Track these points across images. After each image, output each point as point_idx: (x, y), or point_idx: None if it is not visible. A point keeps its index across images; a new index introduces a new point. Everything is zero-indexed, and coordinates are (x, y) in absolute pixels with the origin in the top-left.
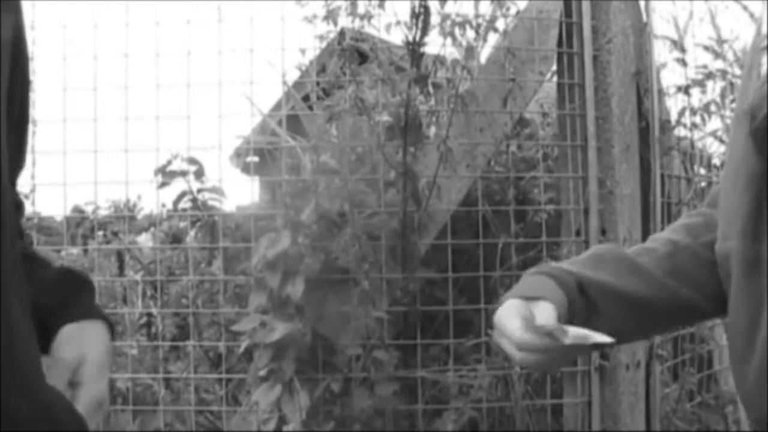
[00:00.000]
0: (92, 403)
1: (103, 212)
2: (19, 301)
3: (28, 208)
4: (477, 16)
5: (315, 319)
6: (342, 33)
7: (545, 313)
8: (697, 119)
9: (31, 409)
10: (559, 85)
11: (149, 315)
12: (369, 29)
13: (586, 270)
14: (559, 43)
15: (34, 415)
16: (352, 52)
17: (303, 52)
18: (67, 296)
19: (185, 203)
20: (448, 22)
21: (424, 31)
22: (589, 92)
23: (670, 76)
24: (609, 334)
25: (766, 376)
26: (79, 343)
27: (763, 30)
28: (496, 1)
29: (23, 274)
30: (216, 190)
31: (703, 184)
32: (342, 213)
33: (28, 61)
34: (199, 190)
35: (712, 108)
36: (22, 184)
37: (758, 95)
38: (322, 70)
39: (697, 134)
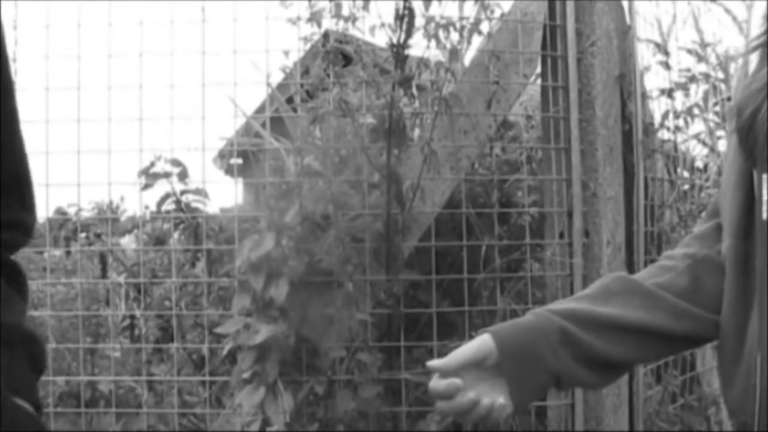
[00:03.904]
0: None
1: (85, 214)
2: None
3: None
4: (461, 18)
5: (299, 321)
6: (326, 35)
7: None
8: (681, 122)
9: None
10: (543, 88)
11: (132, 317)
12: (353, 31)
13: (594, 305)
14: (543, 46)
15: None
16: (336, 54)
17: (287, 53)
18: None
19: (168, 205)
20: (432, 25)
21: (409, 33)
22: (573, 95)
23: (654, 79)
24: (623, 361)
25: (753, 379)
26: None
27: (753, 31)
28: (480, 3)
29: None
30: (199, 192)
31: (686, 186)
32: (326, 215)
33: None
34: (183, 192)
35: (695, 111)
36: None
37: (745, 93)
38: (306, 72)
39: (680, 137)
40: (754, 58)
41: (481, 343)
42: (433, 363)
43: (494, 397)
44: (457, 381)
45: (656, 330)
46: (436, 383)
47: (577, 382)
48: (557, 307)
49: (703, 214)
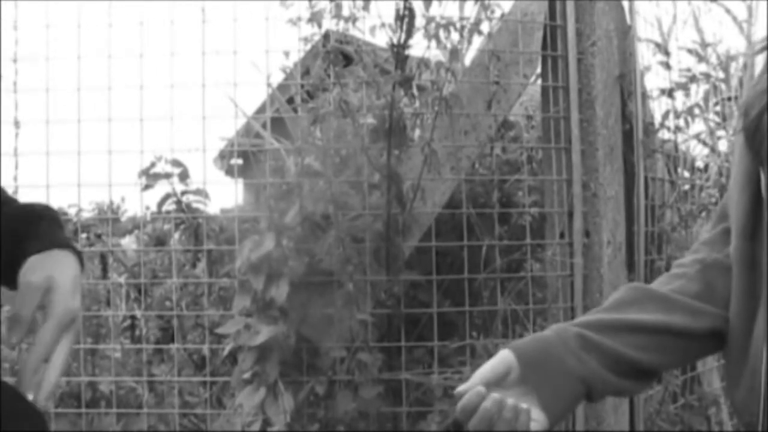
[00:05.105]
0: (62, 321)
1: (86, 214)
2: None
3: None
4: (461, 18)
5: (299, 321)
6: (326, 35)
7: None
8: (681, 122)
9: None
10: (544, 88)
11: (133, 318)
12: (353, 31)
13: (610, 314)
14: (544, 46)
15: None
16: (336, 55)
17: (287, 54)
18: (31, 229)
19: (169, 205)
20: (433, 25)
21: (409, 33)
22: (573, 95)
23: (654, 79)
24: (649, 365)
25: (759, 379)
26: (48, 269)
27: (753, 32)
28: (481, 3)
29: None
30: (200, 193)
31: (686, 186)
32: (326, 215)
33: None
34: (183, 193)
35: (696, 111)
36: (5, 185)
37: (751, 94)
38: (307, 72)
39: (680, 137)
40: (761, 60)
41: (501, 358)
42: (459, 389)
43: (519, 401)
44: (480, 388)
45: (676, 329)
46: (462, 402)
47: (610, 389)
48: (575, 320)
49: (710, 218)
